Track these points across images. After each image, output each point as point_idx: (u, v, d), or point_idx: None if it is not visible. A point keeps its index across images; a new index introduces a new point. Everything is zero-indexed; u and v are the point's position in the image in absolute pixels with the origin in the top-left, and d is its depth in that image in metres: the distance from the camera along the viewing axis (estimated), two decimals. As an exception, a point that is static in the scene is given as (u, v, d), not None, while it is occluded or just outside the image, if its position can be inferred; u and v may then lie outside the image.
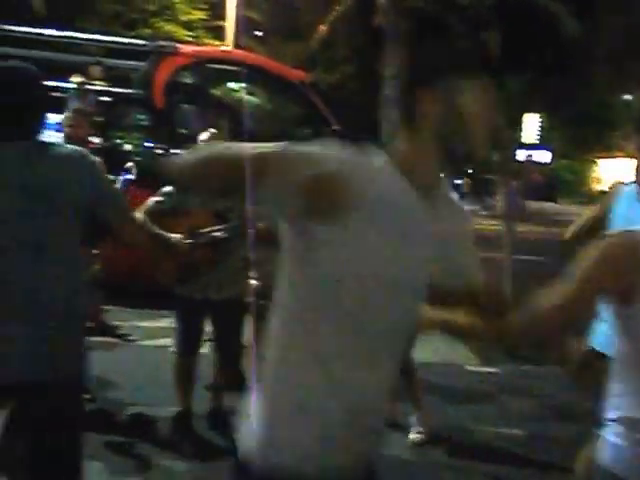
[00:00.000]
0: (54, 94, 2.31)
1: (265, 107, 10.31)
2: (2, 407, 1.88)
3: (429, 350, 4.53)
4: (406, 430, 3.61)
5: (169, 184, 2.82)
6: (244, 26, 15.71)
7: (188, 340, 3.53)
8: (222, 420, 3.64)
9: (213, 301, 3.42)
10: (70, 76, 6.75)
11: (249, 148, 1.23)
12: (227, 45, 13.90)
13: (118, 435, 3.48)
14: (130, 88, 7.12)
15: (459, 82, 1.25)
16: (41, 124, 1.99)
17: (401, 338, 1.35)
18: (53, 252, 1.88)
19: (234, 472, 1.38)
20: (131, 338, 5.17)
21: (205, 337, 3.67)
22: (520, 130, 24.32)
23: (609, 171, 24.10)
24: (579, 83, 22.60)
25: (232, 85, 9.33)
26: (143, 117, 7.29)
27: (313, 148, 1.22)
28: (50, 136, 3.43)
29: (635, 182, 2.50)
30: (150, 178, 5.03)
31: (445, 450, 3.57)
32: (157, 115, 6.85)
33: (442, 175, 1.34)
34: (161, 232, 3.28)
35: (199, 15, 17.38)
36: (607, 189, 3.05)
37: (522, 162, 19.21)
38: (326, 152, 1.21)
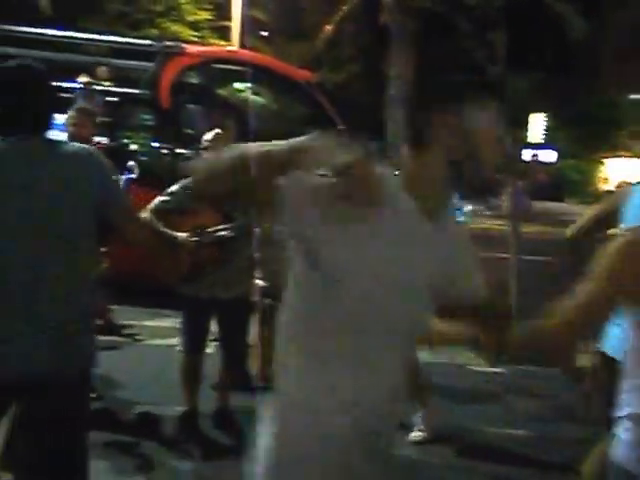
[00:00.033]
0: (61, 94, 2.32)
1: (271, 107, 10.32)
2: (8, 406, 1.88)
3: (434, 350, 4.52)
4: (409, 429, 3.61)
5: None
6: (250, 26, 15.73)
7: (194, 339, 3.54)
8: (228, 419, 3.65)
9: (220, 300, 3.43)
10: (77, 76, 6.78)
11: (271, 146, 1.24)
12: (233, 45, 13.91)
13: (124, 434, 3.49)
14: (136, 88, 7.15)
15: (471, 106, 1.26)
16: (49, 123, 2.00)
17: (403, 339, 1.36)
18: (61, 250, 1.88)
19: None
20: (138, 337, 5.19)
21: (211, 336, 3.68)
22: (526, 130, 24.25)
23: (615, 171, 24.00)
24: (585, 82, 22.52)
25: (238, 85, 9.35)
26: (149, 117, 7.31)
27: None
28: (56, 136, 3.44)
29: None
30: (154, 177, 5.07)
31: (450, 450, 3.56)
32: (163, 115, 6.87)
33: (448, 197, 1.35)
34: (167, 231, 3.30)
35: (205, 15, 17.40)
36: (613, 189, 3.04)
37: (528, 162, 19.16)
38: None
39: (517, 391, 4.49)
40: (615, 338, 2.33)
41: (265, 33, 19.25)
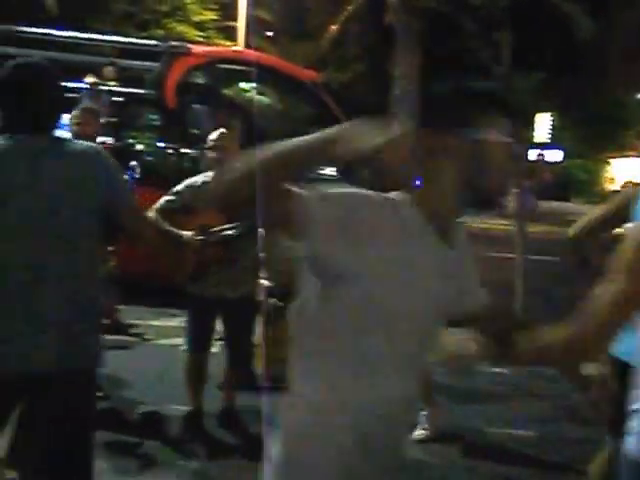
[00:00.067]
0: (67, 94, 2.33)
1: (276, 107, 10.33)
2: (13, 406, 1.88)
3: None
4: (413, 427, 3.61)
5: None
6: (255, 26, 15.75)
7: (199, 338, 3.55)
8: (233, 419, 3.65)
9: (225, 299, 3.43)
10: (83, 77, 6.81)
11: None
12: (238, 45, 13.93)
13: (129, 434, 3.49)
14: (143, 88, 7.17)
15: (483, 125, 1.27)
16: (54, 122, 2.01)
17: (409, 343, 1.35)
18: (62, 249, 1.88)
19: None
20: (144, 337, 5.20)
21: (216, 336, 3.68)
22: (532, 129, 24.18)
23: (622, 171, 23.90)
24: (592, 82, 22.44)
25: (243, 85, 9.36)
26: (155, 117, 7.33)
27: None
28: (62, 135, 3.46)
29: None
30: (160, 177, 5.08)
31: (452, 449, 3.56)
32: (169, 115, 6.89)
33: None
34: (172, 229, 3.30)
35: (210, 16, 17.44)
36: (619, 188, 3.02)
37: (534, 161, 19.10)
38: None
39: (522, 392, 4.48)
40: (629, 342, 2.30)
41: (270, 33, 19.27)
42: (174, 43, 7.47)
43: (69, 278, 1.89)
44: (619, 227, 2.49)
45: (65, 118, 4.31)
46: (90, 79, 6.86)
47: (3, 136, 1.91)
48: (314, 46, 17.20)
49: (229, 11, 16.51)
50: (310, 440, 1.30)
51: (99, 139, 5.55)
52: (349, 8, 15.32)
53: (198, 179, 3.53)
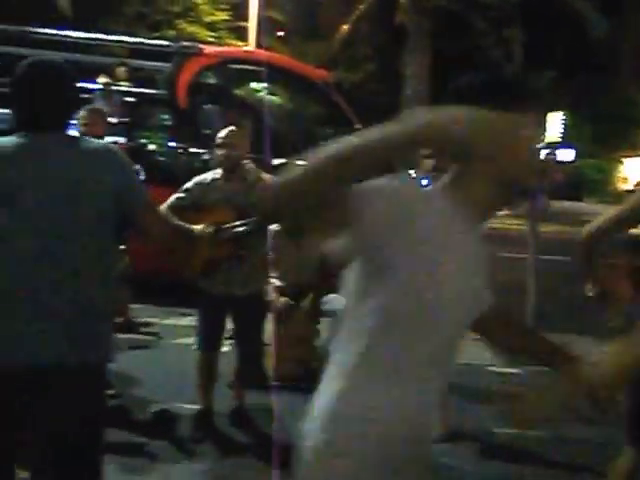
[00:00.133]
0: (81, 95, 2.36)
1: (287, 107, 10.35)
2: (23, 398, 1.87)
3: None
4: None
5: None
6: (266, 26, 15.76)
7: (210, 336, 3.56)
8: (244, 418, 3.66)
9: (236, 297, 3.45)
10: (96, 77, 6.85)
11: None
12: (250, 45, 13.95)
13: (139, 432, 3.51)
14: (154, 89, 7.20)
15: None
16: (67, 120, 2.02)
17: (450, 355, 1.36)
18: (75, 247, 1.88)
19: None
20: (156, 335, 5.22)
21: (226, 334, 3.70)
22: (544, 128, 24.05)
23: (635, 170, 23.71)
24: (605, 81, 22.27)
25: (255, 85, 9.38)
26: (167, 117, 7.36)
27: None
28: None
29: None
30: (172, 177, 5.10)
31: (464, 449, 3.55)
32: (181, 115, 6.91)
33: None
34: (184, 224, 3.29)
35: (222, 16, 17.49)
36: (632, 188, 2.99)
37: (545, 161, 19.00)
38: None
39: (532, 392, 4.46)
40: None
41: (282, 33, 19.28)
42: (186, 43, 7.50)
43: (81, 275, 1.89)
44: (634, 227, 2.48)
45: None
46: (102, 79, 6.91)
47: (18, 134, 1.93)
48: (325, 46, 17.21)
49: (240, 11, 16.53)
50: (359, 426, 1.28)
51: (111, 139, 5.59)
52: (360, 8, 15.31)
53: (207, 176, 3.54)
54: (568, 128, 25.08)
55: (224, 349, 3.70)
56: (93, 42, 7.58)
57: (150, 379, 4.17)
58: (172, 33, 14.98)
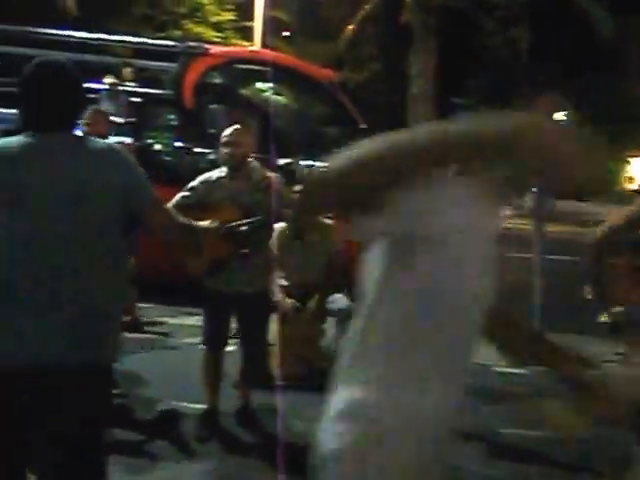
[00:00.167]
0: (87, 95, 2.38)
1: (293, 106, 10.35)
2: (27, 398, 1.87)
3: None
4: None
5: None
6: (272, 26, 15.76)
7: (215, 336, 3.57)
8: (249, 417, 3.67)
9: (241, 295, 3.45)
10: (102, 77, 6.88)
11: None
12: (255, 45, 13.96)
13: (146, 431, 3.51)
14: (161, 89, 7.22)
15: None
16: (74, 120, 2.03)
17: (468, 354, 1.36)
18: (82, 247, 1.89)
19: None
20: (162, 335, 5.23)
21: (231, 334, 3.70)
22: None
23: (642, 170, 23.60)
24: (611, 80, 22.18)
25: (260, 85, 9.38)
26: (173, 117, 7.38)
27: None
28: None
29: None
30: (177, 177, 5.11)
31: (472, 450, 3.55)
32: (187, 115, 6.93)
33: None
34: (190, 221, 3.28)
35: (228, 16, 17.50)
36: (638, 188, 2.97)
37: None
38: None
39: (540, 392, 4.44)
40: None
41: (287, 33, 19.29)
42: (192, 44, 7.52)
43: (87, 275, 1.89)
44: None
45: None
46: (109, 80, 6.93)
47: (25, 134, 1.93)
48: (330, 46, 17.21)
49: (246, 11, 16.54)
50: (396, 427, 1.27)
51: (117, 139, 5.61)
52: (365, 8, 15.30)
53: (213, 175, 3.55)
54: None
55: (229, 348, 3.70)
56: (99, 42, 7.61)
57: (156, 378, 4.18)
58: (178, 33, 15.00)
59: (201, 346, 3.66)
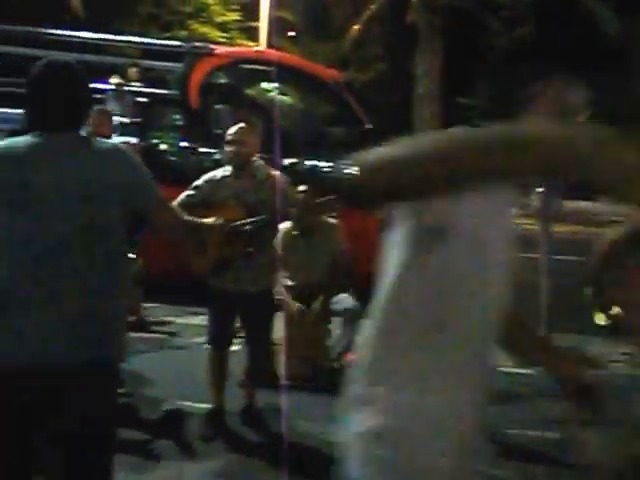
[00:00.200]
0: (93, 95, 2.40)
1: (298, 106, 10.35)
2: (31, 398, 1.87)
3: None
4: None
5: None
6: (277, 27, 15.78)
7: (220, 334, 3.57)
8: (255, 417, 3.67)
9: (246, 294, 3.45)
10: (108, 78, 6.89)
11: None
12: (261, 46, 13.97)
13: (151, 431, 3.52)
14: (166, 89, 7.23)
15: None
16: (81, 120, 2.04)
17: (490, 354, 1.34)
18: (92, 245, 1.89)
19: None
20: (167, 334, 5.24)
21: (236, 333, 3.70)
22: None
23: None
24: (617, 81, 22.10)
25: (266, 85, 9.38)
26: (179, 117, 7.40)
27: None
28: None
29: None
30: (183, 177, 5.12)
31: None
32: (192, 115, 6.94)
33: None
34: (195, 219, 3.27)
35: (233, 16, 17.51)
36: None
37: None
38: None
39: (546, 393, 4.43)
40: None
41: (293, 33, 19.29)
42: (197, 44, 7.53)
43: (92, 275, 1.90)
44: None
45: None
46: (115, 80, 6.95)
47: (32, 134, 1.94)
48: (336, 46, 17.20)
49: (251, 12, 16.55)
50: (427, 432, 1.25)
51: (123, 139, 5.62)
52: (371, 8, 15.29)
53: (217, 173, 3.55)
54: (581, 128, 24.97)
55: (235, 348, 3.70)
56: (105, 43, 7.64)
57: (161, 378, 4.19)
58: (183, 34, 15.02)
59: (206, 345, 3.66)
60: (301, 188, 4.01)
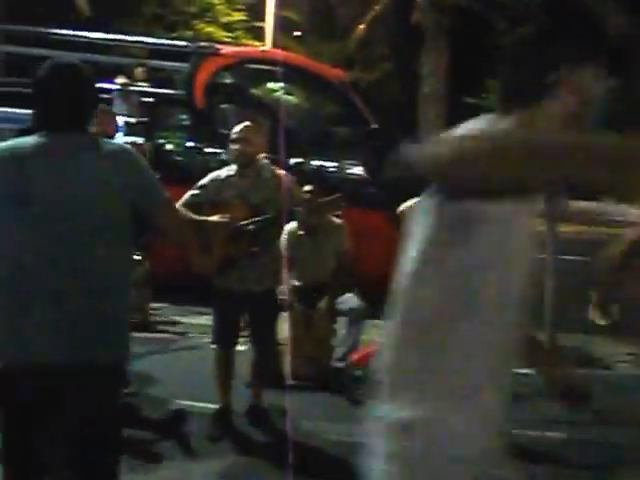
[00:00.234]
0: (99, 95, 2.41)
1: (304, 106, 10.36)
2: (37, 398, 1.87)
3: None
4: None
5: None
6: (283, 26, 15.79)
7: (226, 334, 3.57)
8: (262, 416, 3.67)
9: (251, 293, 3.45)
10: (114, 78, 6.92)
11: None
12: (266, 45, 13.98)
13: (157, 431, 3.52)
14: (172, 89, 7.25)
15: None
16: (87, 120, 2.04)
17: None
18: (97, 245, 1.89)
19: None
20: (173, 334, 5.26)
21: (242, 334, 3.71)
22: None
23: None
24: (622, 82, 22.00)
25: (271, 85, 9.40)
26: (185, 117, 7.41)
27: None
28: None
29: None
30: (188, 176, 5.14)
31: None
32: (198, 115, 6.96)
33: None
34: (200, 217, 3.27)
35: (238, 16, 17.50)
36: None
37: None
38: None
39: (547, 393, 4.42)
40: None
41: (298, 33, 19.30)
42: (203, 44, 7.55)
43: (96, 275, 1.90)
44: None
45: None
46: (121, 80, 6.97)
47: (38, 134, 1.95)
48: (342, 46, 17.20)
49: (257, 12, 16.56)
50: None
51: (129, 139, 5.64)
52: (376, 7, 15.29)
53: (222, 173, 3.55)
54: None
55: (242, 348, 3.71)
56: (111, 43, 7.67)
57: (167, 378, 4.19)
58: (189, 33, 15.03)
59: (212, 345, 3.66)
60: (307, 188, 4.01)
